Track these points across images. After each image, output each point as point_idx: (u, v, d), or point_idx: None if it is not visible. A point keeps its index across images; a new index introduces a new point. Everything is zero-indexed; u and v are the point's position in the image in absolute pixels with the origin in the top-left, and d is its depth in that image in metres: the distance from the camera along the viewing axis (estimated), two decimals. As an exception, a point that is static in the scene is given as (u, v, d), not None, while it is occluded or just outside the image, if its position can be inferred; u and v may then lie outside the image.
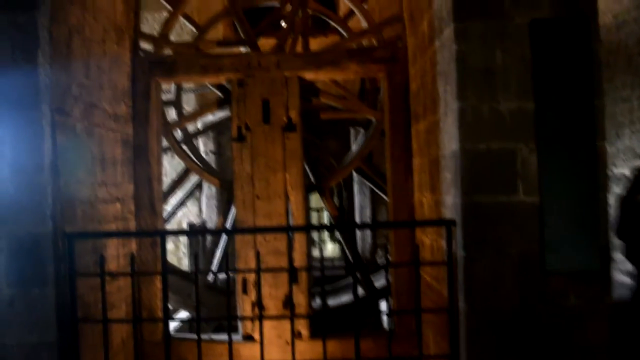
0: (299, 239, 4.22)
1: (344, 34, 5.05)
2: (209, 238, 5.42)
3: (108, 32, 3.93)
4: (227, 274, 3.00)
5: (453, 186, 2.99)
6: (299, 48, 4.74)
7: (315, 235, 9.34)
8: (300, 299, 4.22)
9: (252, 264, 4.19)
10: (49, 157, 3.05)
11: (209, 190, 7.14)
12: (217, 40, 4.85)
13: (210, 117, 6.53)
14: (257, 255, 2.92)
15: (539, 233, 2.84)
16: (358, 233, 8.00)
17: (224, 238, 5.13)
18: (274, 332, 4.16)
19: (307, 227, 3.90)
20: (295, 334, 4.12)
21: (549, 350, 2.83)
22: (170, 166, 7.36)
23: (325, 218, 15.84)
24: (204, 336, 4.36)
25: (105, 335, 3.12)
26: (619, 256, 4.03)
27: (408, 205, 4.17)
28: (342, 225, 3.75)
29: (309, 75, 4.32)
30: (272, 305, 4.19)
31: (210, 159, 6.94)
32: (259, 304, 3.06)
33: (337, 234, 6.28)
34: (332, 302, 5.46)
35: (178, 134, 5.84)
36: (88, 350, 3.30)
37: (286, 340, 4.11)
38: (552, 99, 2.87)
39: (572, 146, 2.84)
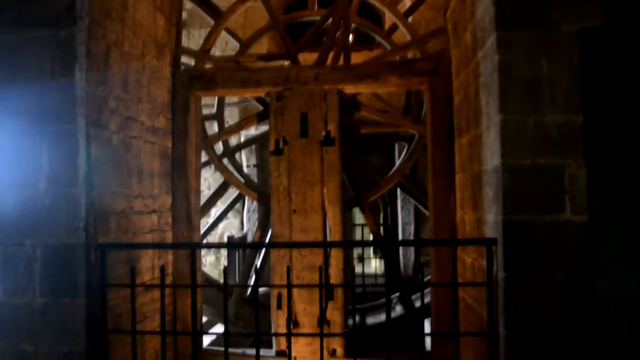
0: (335, 255, 4.11)
1: (388, 47, 4.95)
2: (248, 252, 5.37)
3: (148, 46, 3.97)
4: (256, 288, 2.92)
5: (494, 203, 2.82)
6: (341, 62, 4.68)
7: (359, 251, 9.20)
8: (335, 316, 4.09)
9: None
10: (83, 169, 3.08)
11: (250, 204, 7.13)
12: (258, 55, 4.84)
13: (252, 131, 6.54)
14: (288, 270, 2.83)
15: (588, 255, 2.63)
16: (401, 250, 7.81)
17: (262, 252, 5.08)
18: (309, 348, 4.06)
19: (344, 243, 3.78)
20: (330, 352, 4.02)
21: (599, 383, 2.60)
22: (213, 179, 7.42)
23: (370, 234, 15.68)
24: (238, 350, 4.30)
25: (134, 346, 3.10)
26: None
27: (449, 223, 3.99)
28: (378, 242, 3.61)
29: (348, 89, 4.24)
30: (307, 321, 4.09)
31: (252, 173, 6.94)
32: (288, 320, 2.96)
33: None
34: (371, 320, 5.31)
35: (219, 147, 5.87)
36: (119, 361, 3.28)
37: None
38: (603, 112, 2.67)
39: (624, 162, 2.63)
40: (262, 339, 4.52)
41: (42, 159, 3.11)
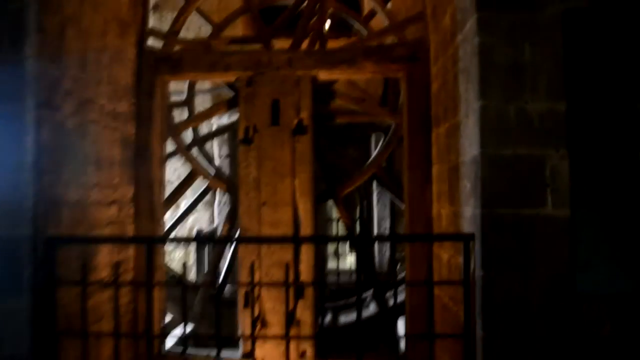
0: (306, 251, 3.92)
1: (365, 35, 4.75)
2: (215, 246, 5.15)
3: (110, 24, 3.71)
4: (220, 286, 2.71)
5: (472, 196, 2.65)
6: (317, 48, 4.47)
7: (335, 246, 9.02)
8: (305, 315, 3.91)
9: (256, 276, 3.91)
10: (32, 154, 2.83)
11: (221, 197, 6.89)
12: (229, 38, 4.61)
13: (225, 120, 6.30)
14: (252, 269, 2.63)
15: (570, 251, 2.47)
16: (376, 246, 7.65)
17: (232, 246, 4.86)
18: (278, 350, 3.86)
19: (314, 239, 3.59)
20: (300, 354, 3.83)
21: (580, 387, 2.46)
22: (184, 170, 7.15)
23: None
24: (203, 352, 4.09)
25: (84, 350, 2.87)
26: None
27: (425, 217, 3.82)
28: (351, 237, 3.43)
29: (322, 75, 4.04)
30: (276, 321, 3.89)
31: (225, 164, 6.70)
32: (252, 322, 2.76)
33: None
34: (344, 319, 5.13)
35: (189, 136, 5.63)
36: (70, 364, 3.05)
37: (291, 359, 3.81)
38: (588, 100, 2.52)
39: (609, 153, 2.48)
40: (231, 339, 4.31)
41: (-16, 142, 2.85)
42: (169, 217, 5.80)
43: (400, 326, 5.09)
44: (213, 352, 4.10)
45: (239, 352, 3.94)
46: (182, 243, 3.57)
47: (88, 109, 3.41)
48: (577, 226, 2.47)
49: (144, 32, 4.23)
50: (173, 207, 5.77)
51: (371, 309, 5.00)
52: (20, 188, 2.80)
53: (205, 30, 6.62)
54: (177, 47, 4.57)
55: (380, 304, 4.67)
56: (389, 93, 5.98)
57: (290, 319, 3.89)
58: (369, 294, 5.04)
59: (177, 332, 4.77)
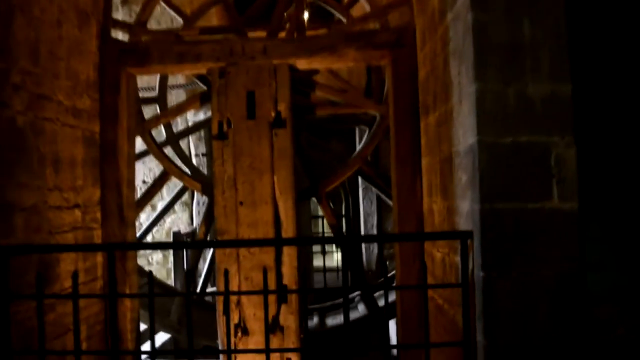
0: (288, 252, 3.64)
1: (345, 21, 4.48)
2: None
3: (66, 13, 3.38)
4: (189, 294, 2.43)
5: (469, 190, 2.40)
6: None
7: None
8: (289, 321, 3.63)
9: (234, 281, 3.63)
10: (-25, 155, 2.52)
11: (200, 197, 6.58)
12: (200, 28, 4.31)
13: (201, 116, 5.99)
14: (226, 275, 2.35)
15: (580, 248, 2.23)
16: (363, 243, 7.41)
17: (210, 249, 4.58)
18: (260, 358, 3.58)
19: (297, 240, 3.33)
20: (285, 362, 3.57)
21: (594, 398, 2.22)
22: (159, 170, 6.84)
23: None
24: (181, 363, 3.80)
25: (42, 371, 2.57)
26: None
27: (416, 213, 3.57)
28: (336, 238, 3.17)
29: (300, 64, 3.76)
30: (258, 328, 3.62)
31: (202, 162, 6.40)
32: (227, 333, 2.48)
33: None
34: (331, 321, 4.87)
35: (162, 134, 5.32)
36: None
37: (274, 369, 3.55)
38: (596, 81, 2.28)
39: (621, 139, 2.24)
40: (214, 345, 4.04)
41: None
42: (145, 219, 5.50)
43: (392, 328, 4.84)
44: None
45: (219, 364, 3.66)
46: (149, 248, 3.32)
47: (43, 106, 3.09)
48: (587, 220, 2.23)
49: (107, 24, 3.91)
50: (149, 208, 5.47)
51: (360, 310, 4.75)
52: (-38, 194, 2.50)
53: (178, 23, 6.31)
54: (144, 39, 4.25)
55: (370, 304, 4.41)
56: (373, 84, 5.72)
57: (274, 325, 3.62)
58: (357, 294, 4.78)
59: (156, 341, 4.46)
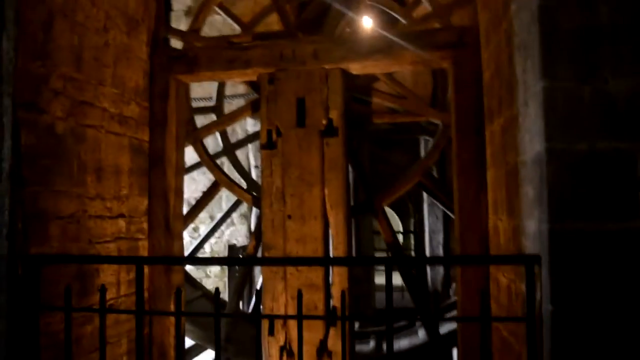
0: (339, 272, 3.37)
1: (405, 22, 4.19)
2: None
3: (114, 20, 3.33)
4: (215, 314, 2.22)
5: (537, 207, 2.04)
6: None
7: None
8: (338, 345, 3.34)
9: (281, 299, 3.40)
10: (8, 161, 2.44)
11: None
12: (254, 34, 4.16)
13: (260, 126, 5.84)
14: (258, 294, 2.11)
15: (675, 281, 1.82)
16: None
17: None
18: (306, 385, 3.33)
19: (347, 260, 3.05)
20: (332, 390, 3.28)
21: None
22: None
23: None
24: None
25: (65, 388, 2.44)
26: None
27: (480, 232, 3.20)
28: (388, 259, 2.87)
29: (354, 68, 3.50)
30: (305, 351, 3.35)
31: (260, 173, 6.26)
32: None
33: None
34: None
35: (218, 144, 5.23)
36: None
37: (321, 397, 3.28)
38: (695, 74, 1.86)
39: None
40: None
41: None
42: (205, 231, 5.42)
43: (455, 356, 4.44)
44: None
45: (262, 387, 3.44)
46: (180, 263, 3.18)
47: (86, 113, 3.02)
48: (685, 245, 1.81)
49: (159, 31, 3.85)
50: (209, 220, 5.38)
51: (420, 336, 4.38)
52: (-7, 201, 2.43)
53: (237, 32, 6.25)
54: (197, 46, 4.16)
55: (431, 330, 4.04)
56: (439, 92, 5.38)
57: (321, 350, 3.35)
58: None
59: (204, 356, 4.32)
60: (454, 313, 4.51)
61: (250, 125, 5.76)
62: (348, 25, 4.51)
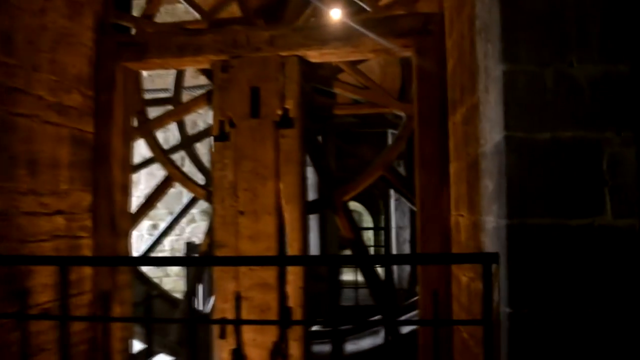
0: (294, 270, 3.19)
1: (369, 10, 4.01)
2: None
3: (53, 1, 3.08)
4: (147, 319, 2.01)
5: (495, 201, 1.89)
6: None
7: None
8: (294, 348, 3.17)
9: (232, 300, 3.20)
10: None
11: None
12: (210, 20, 3.94)
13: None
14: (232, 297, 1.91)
15: (642, 281, 1.68)
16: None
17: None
18: (260, 392, 3.14)
19: (303, 259, 2.85)
20: (288, 397, 3.11)
21: None
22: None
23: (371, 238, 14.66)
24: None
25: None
26: None
27: (441, 228, 3.05)
28: (343, 258, 2.69)
29: (312, 55, 3.32)
30: (257, 355, 3.17)
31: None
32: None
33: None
34: (352, 347, 4.36)
35: (176, 136, 4.99)
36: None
37: (275, 404, 3.10)
38: (664, 58, 1.73)
39: (700, 135, 1.68)
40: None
41: None
42: (162, 228, 5.18)
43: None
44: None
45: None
46: (114, 264, 2.96)
47: (17, 101, 2.78)
48: (652, 243, 1.67)
49: (106, 15, 3.60)
50: (167, 217, 5.14)
51: (382, 336, 4.23)
52: None
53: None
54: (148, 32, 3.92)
55: (391, 331, 3.89)
56: (407, 86, 5.22)
57: (275, 353, 3.17)
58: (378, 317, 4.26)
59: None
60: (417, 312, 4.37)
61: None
62: (314, 14, 4.32)
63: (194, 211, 6.59)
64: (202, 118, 6.35)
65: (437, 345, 1.95)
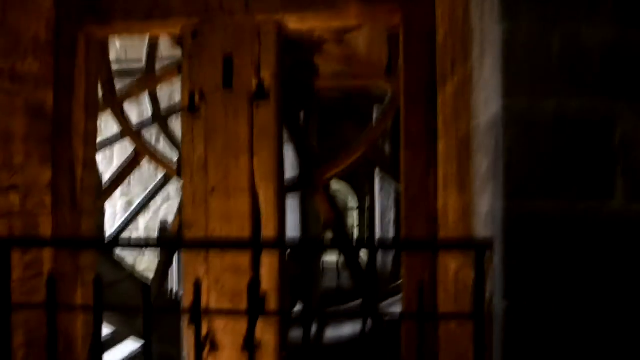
0: (269, 253, 2.97)
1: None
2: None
3: (3, -47, 2.78)
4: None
5: (490, 180, 1.67)
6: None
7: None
8: (268, 335, 2.96)
9: (203, 285, 2.98)
10: None
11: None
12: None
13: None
14: (197, 285, 1.69)
15: (655, 272, 1.48)
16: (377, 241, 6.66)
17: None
18: (231, 382, 2.94)
19: (279, 243, 2.62)
20: (261, 388, 2.91)
21: None
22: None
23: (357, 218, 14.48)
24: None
25: None
26: None
27: (427, 211, 2.84)
28: (321, 243, 2.48)
29: (291, 21, 3.06)
30: (229, 342, 2.97)
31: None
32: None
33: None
34: (331, 333, 4.17)
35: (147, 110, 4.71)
36: None
37: (248, 396, 2.89)
38: (686, 20, 1.51)
39: None
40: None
41: None
42: (134, 207, 4.92)
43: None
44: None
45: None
46: (64, 246, 2.74)
47: (-40, 63, 2.50)
48: (668, 230, 1.47)
49: (69, -25, 3.29)
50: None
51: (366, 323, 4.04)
52: None
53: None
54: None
55: (374, 317, 3.70)
56: (394, 63, 4.98)
57: (248, 341, 2.96)
58: (359, 303, 4.08)
59: (123, 348, 3.87)
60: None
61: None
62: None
63: (170, 189, 6.32)
64: (179, 91, 6.03)
65: (422, 341, 1.74)
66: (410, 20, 2.94)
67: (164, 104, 5.08)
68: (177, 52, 5.64)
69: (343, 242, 2.64)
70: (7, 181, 2.81)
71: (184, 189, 3.02)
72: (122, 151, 6.13)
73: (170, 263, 3.93)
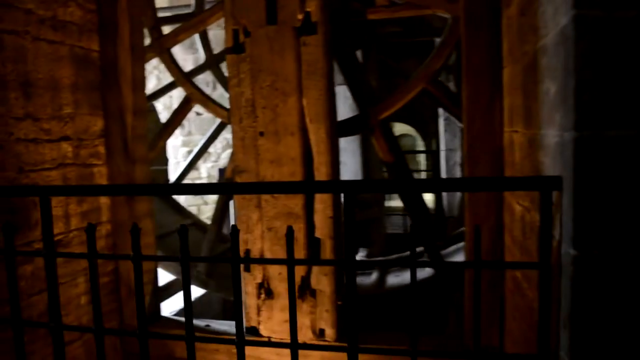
0: (322, 198, 2.84)
1: None
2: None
3: None
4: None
5: (559, 107, 1.42)
6: None
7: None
8: (323, 283, 2.88)
9: (256, 230, 2.92)
10: None
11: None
12: None
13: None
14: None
15: None
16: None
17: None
18: (287, 326, 2.90)
19: (331, 185, 2.47)
20: (317, 333, 2.86)
21: None
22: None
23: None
24: (201, 323, 3.23)
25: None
26: None
27: (492, 147, 2.59)
28: (380, 183, 2.30)
29: (337, -54, 2.79)
30: (284, 290, 2.91)
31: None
32: (237, 320, 1.76)
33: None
34: (392, 280, 4.05)
35: (201, 54, 4.61)
36: None
37: (305, 340, 2.86)
38: None
39: None
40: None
41: None
42: (193, 155, 4.93)
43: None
44: (213, 324, 3.24)
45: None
46: (104, 194, 2.73)
47: (0, 15, 2.45)
48: None
49: None
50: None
51: (427, 270, 3.89)
52: None
53: None
54: None
55: (437, 263, 3.53)
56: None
57: (303, 289, 2.89)
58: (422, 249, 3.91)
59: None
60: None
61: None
62: None
63: (229, 136, 6.26)
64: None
65: (478, 290, 1.57)
66: None
67: (219, 48, 4.97)
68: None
69: (398, 184, 2.45)
70: (59, 132, 2.81)
71: (233, 133, 2.91)
72: (181, 99, 6.11)
73: (227, 209, 3.90)
